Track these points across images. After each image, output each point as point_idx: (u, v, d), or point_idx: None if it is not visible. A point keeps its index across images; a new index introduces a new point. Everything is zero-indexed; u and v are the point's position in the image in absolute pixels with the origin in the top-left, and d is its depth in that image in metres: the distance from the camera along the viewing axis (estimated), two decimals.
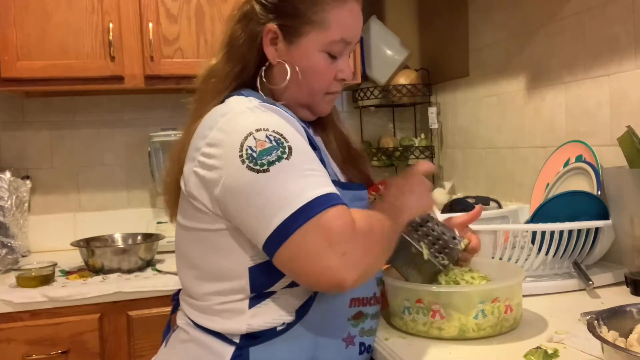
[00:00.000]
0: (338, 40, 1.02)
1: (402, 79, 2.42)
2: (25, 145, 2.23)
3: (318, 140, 1.12)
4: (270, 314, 0.96)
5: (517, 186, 1.96)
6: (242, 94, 1.02)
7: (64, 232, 2.20)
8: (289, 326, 0.96)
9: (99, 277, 1.76)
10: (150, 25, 1.94)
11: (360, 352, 1.03)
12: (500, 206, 1.88)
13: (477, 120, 2.19)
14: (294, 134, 0.94)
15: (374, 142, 2.55)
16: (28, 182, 2.14)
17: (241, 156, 0.90)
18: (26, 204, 2.14)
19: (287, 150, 0.90)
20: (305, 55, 1.03)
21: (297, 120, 1.00)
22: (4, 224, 1.93)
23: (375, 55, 2.41)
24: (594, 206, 1.38)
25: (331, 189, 0.90)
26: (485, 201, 1.89)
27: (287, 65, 1.03)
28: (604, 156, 1.50)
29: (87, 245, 1.93)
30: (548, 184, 1.64)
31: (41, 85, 1.90)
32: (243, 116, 0.94)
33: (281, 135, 0.92)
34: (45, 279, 1.68)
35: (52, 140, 2.26)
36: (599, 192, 1.42)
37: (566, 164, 1.61)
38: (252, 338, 0.96)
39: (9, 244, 1.91)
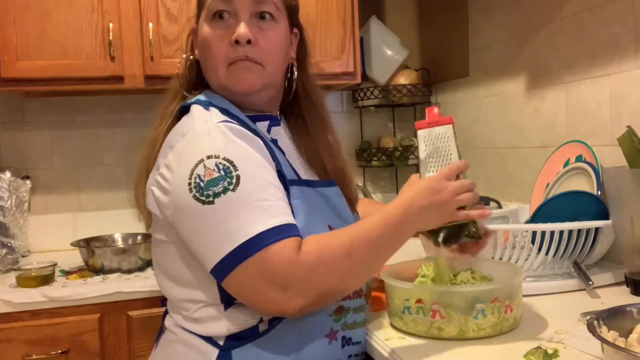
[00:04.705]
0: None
1: (402, 79, 2.42)
2: (25, 145, 2.23)
3: (287, 144, 1.12)
4: (247, 311, 0.96)
5: (517, 186, 1.96)
6: (202, 102, 1.02)
7: (64, 232, 2.20)
8: (270, 325, 0.97)
9: (99, 277, 1.76)
10: (150, 25, 1.94)
11: (342, 346, 1.03)
12: (500, 206, 1.88)
13: (477, 120, 2.19)
14: (248, 158, 0.94)
15: (374, 142, 2.55)
16: (28, 182, 2.14)
17: (190, 184, 0.91)
18: (26, 204, 2.14)
19: (234, 180, 0.90)
20: (200, 34, 1.07)
21: (257, 133, 1.00)
22: (4, 224, 1.93)
23: (375, 55, 2.41)
24: (594, 206, 1.38)
25: (280, 220, 0.90)
26: (485, 201, 1.89)
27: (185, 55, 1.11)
28: (604, 156, 1.50)
29: (87, 245, 1.93)
30: (548, 184, 1.64)
31: (41, 85, 1.90)
32: (197, 140, 0.95)
33: (231, 162, 0.91)
34: (45, 279, 1.68)
35: (52, 140, 2.26)
36: (599, 192, 1.42)
37: (566, 164, 1.61)
38: (235, 339, 0.97)
39: (9, 244, 1.91)
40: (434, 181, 0.96)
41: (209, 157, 0.91)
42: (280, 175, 0.99)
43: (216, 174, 0.90)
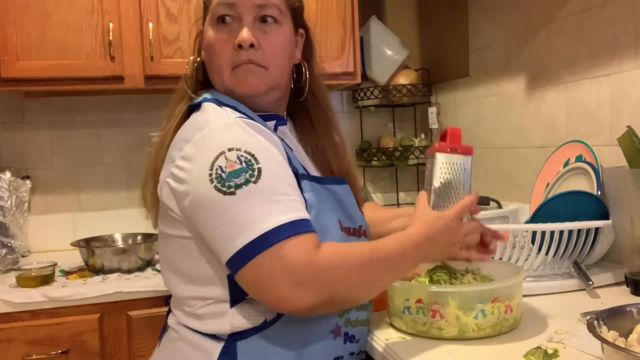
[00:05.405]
0: (216, 3, 1.05)
1: (402, 79, 2.42)
2: (25, 145, 2.23)
3: (294, 143, 1.13)
4: (253, 311, 0.97)
5: (517, 186, 1.96)
6: (211, 100, 1.03)
7: (64, 232, 2.20)
8: (274, 320, 0.97)
9: (99, 277, 1.76)
10: (150, 25, 1.94)
11: (344, 342, 1.03)
12: (500, 206, 1.88)
13: (477, 120, 2.19)
14: (268, 152, 0.94)
15: (374, 142, 2.55)
16: (28, 182, 2.14)
17: (210, 175, 0.91)
18: (26, 204, 2.14)
19: (256, 172, 0.91)
20: (205, 38, 1.07)
21: (272, 132, 1.01)
22: (4, 224, 1.93)
23: (375, 55, 2.41)
24: (594, 206, 1.38)
25: (299, 214, 0.91)
26: (485, 201, 1.89)
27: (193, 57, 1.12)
28: (604, 156, 1.50)
29: (87, 245, 1.93)
30: (548, 184, 1.64)
31: (41, 85, 1.90)
32: (218, 133, 0.95)
33: (252, 155, 0.92)
34: (45, 279, 1.68)
35: (52, 140, 2.26)
36: (599, 192, 1.42)
37: (566, 164, 1.61)
38: (238, 333, 0.97)
39: (9, 244, 1.91)
40: (449, 221, 1.01)
41: (230, 150, 0.92)
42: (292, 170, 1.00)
43: (238, 166, 0.90)
